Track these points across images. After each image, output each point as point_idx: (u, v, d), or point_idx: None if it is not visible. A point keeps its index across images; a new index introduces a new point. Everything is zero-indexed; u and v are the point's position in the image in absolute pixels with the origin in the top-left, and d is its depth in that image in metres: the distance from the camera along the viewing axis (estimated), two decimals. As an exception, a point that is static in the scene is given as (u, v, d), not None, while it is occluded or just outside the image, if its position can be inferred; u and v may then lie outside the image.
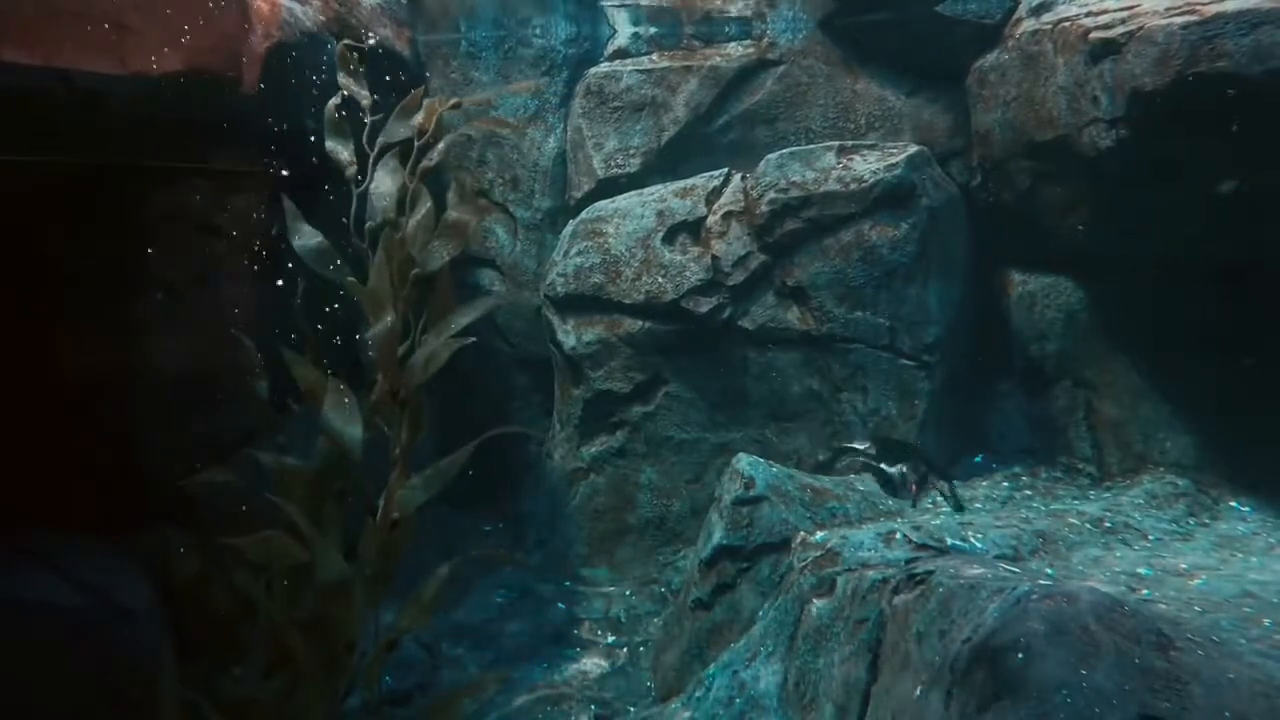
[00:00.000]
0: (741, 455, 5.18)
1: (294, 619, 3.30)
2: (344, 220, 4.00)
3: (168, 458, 3.67)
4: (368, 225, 3.88)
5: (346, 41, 4.19)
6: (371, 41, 4.29)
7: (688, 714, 4.41)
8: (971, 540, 4.41)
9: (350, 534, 3.59)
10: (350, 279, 3.82)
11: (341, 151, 4.03)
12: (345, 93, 4.16)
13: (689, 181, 6.01)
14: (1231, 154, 4.49)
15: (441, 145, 4.00)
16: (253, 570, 3.35)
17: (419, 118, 4.03)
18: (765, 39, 6.56)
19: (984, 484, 5.49)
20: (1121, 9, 4.84)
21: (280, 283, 4.02)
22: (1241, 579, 4.04)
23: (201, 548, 3.33)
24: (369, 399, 3.59)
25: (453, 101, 4.18)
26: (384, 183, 3.89)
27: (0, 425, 3.44)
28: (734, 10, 6.67)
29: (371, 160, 3.97)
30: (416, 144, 3.97)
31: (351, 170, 3.98)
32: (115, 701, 3.49)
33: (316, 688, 3.28)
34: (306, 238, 3.88)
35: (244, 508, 3.41)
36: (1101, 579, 4.08)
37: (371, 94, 4.37)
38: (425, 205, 3.87)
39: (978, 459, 5.80)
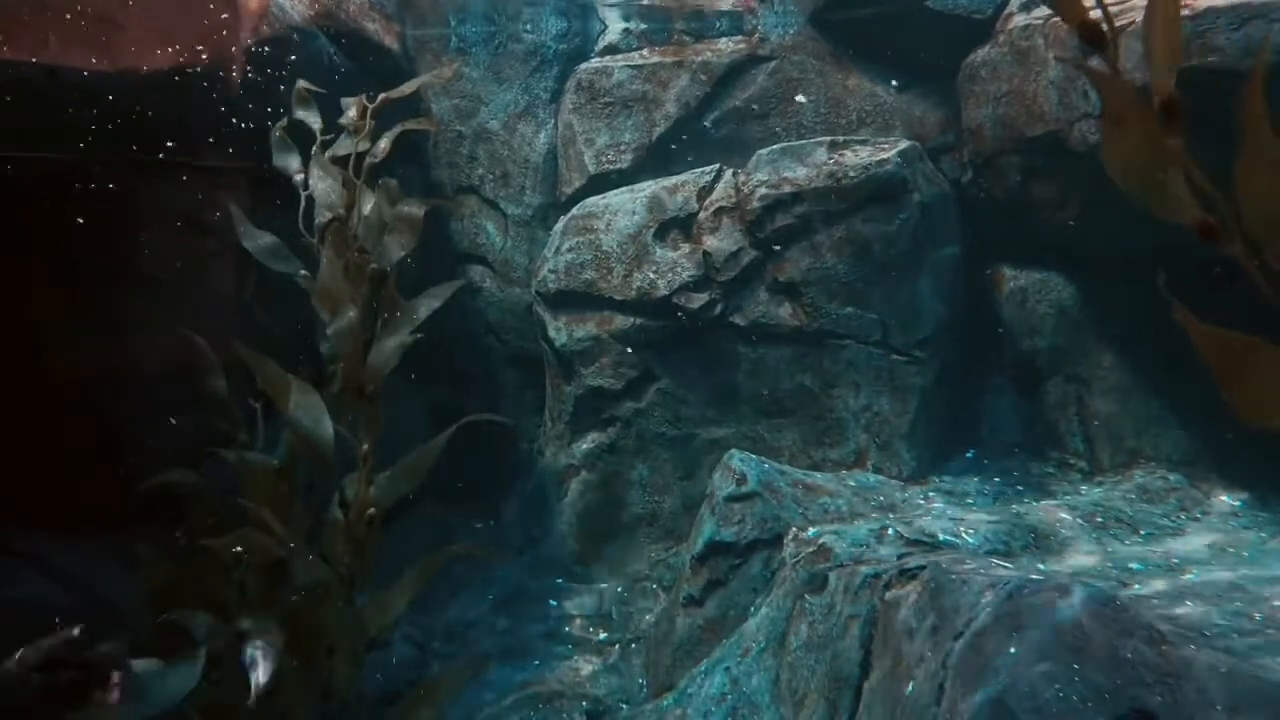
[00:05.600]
0: (733, 451, 5.17)
1: (271, 619, 3.29)
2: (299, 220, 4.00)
3: (154, 456, 3.65)
4: (316, 223, 3.88)
5: (302, 83, 4.20)
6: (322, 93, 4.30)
7: (680, 711, 4.40)
8: (963, 536, 4.41)
9: (320, 532, 3.57)
10: (304, 275, 3.82)
11: (290, 163, 4.05)
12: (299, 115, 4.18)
13: (680, 177, 6.00)
14: (1222, 149, 4.49)
15: (384, 143, 4.00)
16: (227, 570, 3.33)
17: (351, 114, 4.04)
18: (756, 34, 6.55)
19: (975, 479, 5.49)
20: (1112, 3, 4.83)
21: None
22: (1233, 573, 4.04)
23: (186, 548, 3.31)
24: (330, 395, 3.58)
25: (381, 97, 4.18)
26: (323, 181, 3.88)
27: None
28: (724, 5, 6.66)
29: (313, 162, 3.97)
30: (355, 141, 3.97)
31: (300, 178, 3.99)
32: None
33: (296, 689, 3.26)
34: (257, 237, 3.88)
35: (226, 508, 3.39)
36: (1093, 574, 4.08)
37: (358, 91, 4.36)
38: (370, 201, 3.87)
39: (969, 454, 5.80)
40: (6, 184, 3.59)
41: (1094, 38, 0.97)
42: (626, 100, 6.45)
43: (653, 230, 5.79)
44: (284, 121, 4.18)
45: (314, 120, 4.13)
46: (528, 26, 6.73)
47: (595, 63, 6.63)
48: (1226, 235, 0.88)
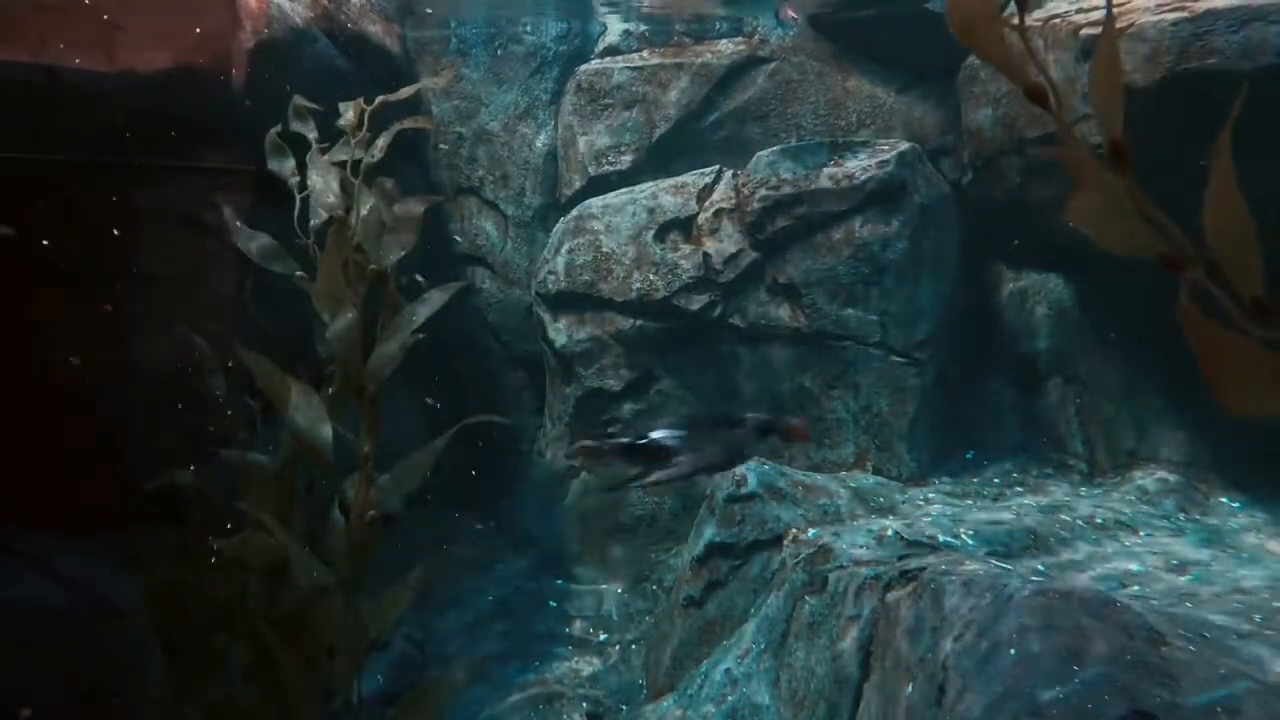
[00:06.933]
0: (733, 453, 5.17)
1: (272, 621, 3.29)
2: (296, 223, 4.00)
3: (155, 457, 3.65)
4: (312, 224, 3.88)
5: (299, 98, 4.21)
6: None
7: (680, 711, 4.40)
8: (963, 537, 4.41)
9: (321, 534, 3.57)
10: (301, 276, 3.82)
11: (283, 168, 4.06)
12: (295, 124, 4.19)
13: (680, 179, 6.00)
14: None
15: (382, 141, 4.01)
16: (230, 571, 3.33)
17: (348, 115, 4.04)
18: (756, 36, 6.55)
19: (975, 481, 5.49)
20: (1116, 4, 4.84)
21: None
22: (1232, 574, 4.05)
23: (186, 548, 3.31)
24: (329, 396, 3.58)
25: (379, 100, 4.19)
26: (321, 182, 3.88)
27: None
28: (721, 11, 6.67)
29: (311, 163, 3.97)
30: (353, 144, 3.97)
31: (295, 180, 4.00)
32: (106, 700, 3.47)
33: (297, 690, 3.26)
34: (252, 238, 3.88)
35: (225, 509, 3.39)
36: (1093, 575, 4.08)
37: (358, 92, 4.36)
38: (369, 201, 3.87)
39: (969, 455, 5.80)
40: (6, 184, 3.59)
41: (1038, 99, 1.01)
42: (626, 101, 6.45)
43: (653, 232, 5.79)
44: (279, 127, 4.18)
45: (311, 132, 4.14)
46: (528, 28, 6.73)
47: (595, 64, 6.63)
48: (1190, 263, 0.92)
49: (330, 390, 3.62)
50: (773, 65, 6.44)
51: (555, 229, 6.19)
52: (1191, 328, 0.91)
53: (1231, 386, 0.91)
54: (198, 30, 4.25)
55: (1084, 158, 0.97)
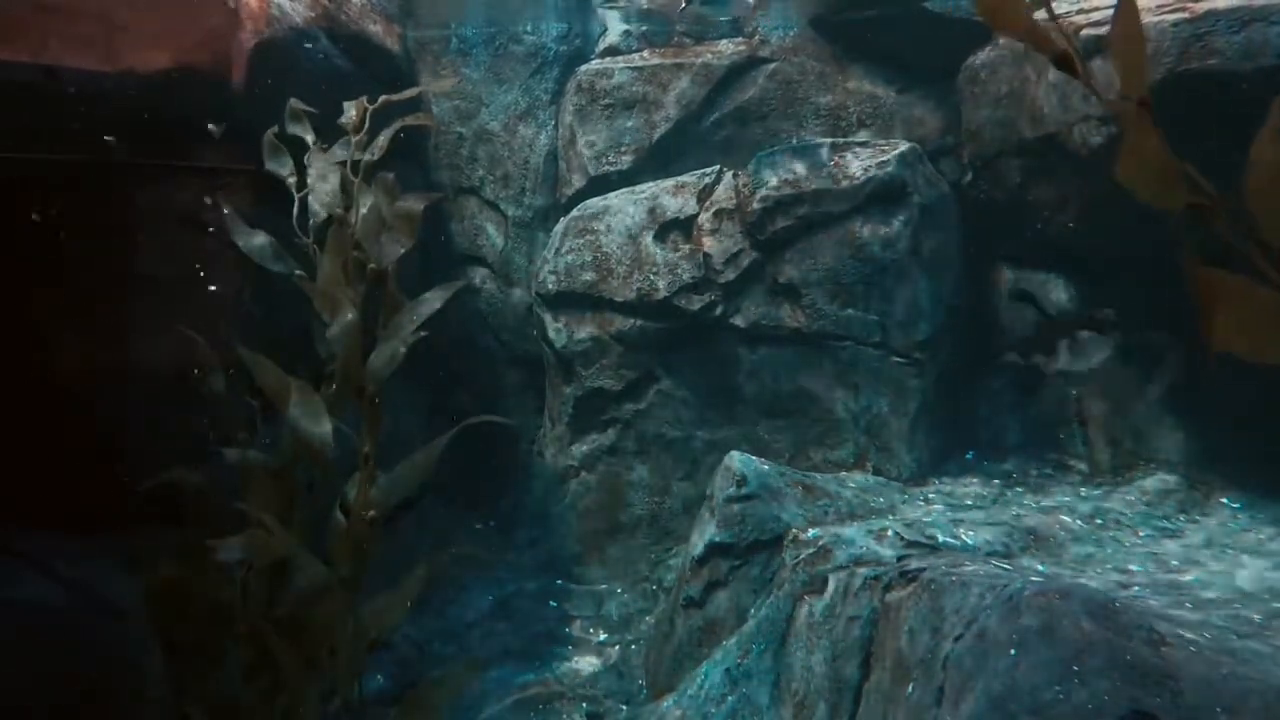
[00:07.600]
0: (733, 453, 5.17)
1: (272, 620, 3.29)
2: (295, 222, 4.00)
3: (156, 457, 3.65)
4: (311, 223, 3.88)
5: (295, 101, 4.21)
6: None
7: (680, 712, 4.40)
8: (963, 537, 4.41)
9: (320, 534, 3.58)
10: (300, 275, 3.82)
11: (285, 165, 4.06)
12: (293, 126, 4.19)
13: (681, 179, 6.00)
14: (1222, 152, 4.49)
15: (382, 139, 4.00)
16: (230, 571, 3.33)
17: (350, 114, 4.04)
18: (756, 36, 6.55)
19: (975, 481, 5.49)
20: (1113, 5, 4.85)
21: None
22: (1232, 575, 4.05)
23: (187, 548, 3.31)
24: (329, 396, 3.58)
25: (381, 99, 4.18)
26: (321, 182, 3.88)
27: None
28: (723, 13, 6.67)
29: (310, 163, 3.97)
30: (353, 144, 3.97)
31: (293, 180, 4.00)
32: (106, 700, 3.47)
33: (297, 690, 3.26)
34: (252, 237, 3.87)
35: (225, 508, 3.40)
36: (1093, 576, 4.08)
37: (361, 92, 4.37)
38: (369, 201, 3.86)
39: (969, 456, 5.80)
40: (6, 184, 3.59)
41: (1065, 65, 1.05)
42: (627, 102, 6.45)
43: (653, 232, 5.79)
44: (276, 128, 4.18)
45: (308, 134, 4.14)
46: (528, 28, 6.73)
47: (596, 64, 6.63)
48: (1221, 218, 0.94)
49: (330, 390, 3.62)
50: (773, 65, 6.44)
51: (555, 229, 6.19)
52: (1190, 269, 0.93)
53: (1229, 328, 0.93)
54: (198, 30, 4.26)
55: (1131, 110, 1.00)
